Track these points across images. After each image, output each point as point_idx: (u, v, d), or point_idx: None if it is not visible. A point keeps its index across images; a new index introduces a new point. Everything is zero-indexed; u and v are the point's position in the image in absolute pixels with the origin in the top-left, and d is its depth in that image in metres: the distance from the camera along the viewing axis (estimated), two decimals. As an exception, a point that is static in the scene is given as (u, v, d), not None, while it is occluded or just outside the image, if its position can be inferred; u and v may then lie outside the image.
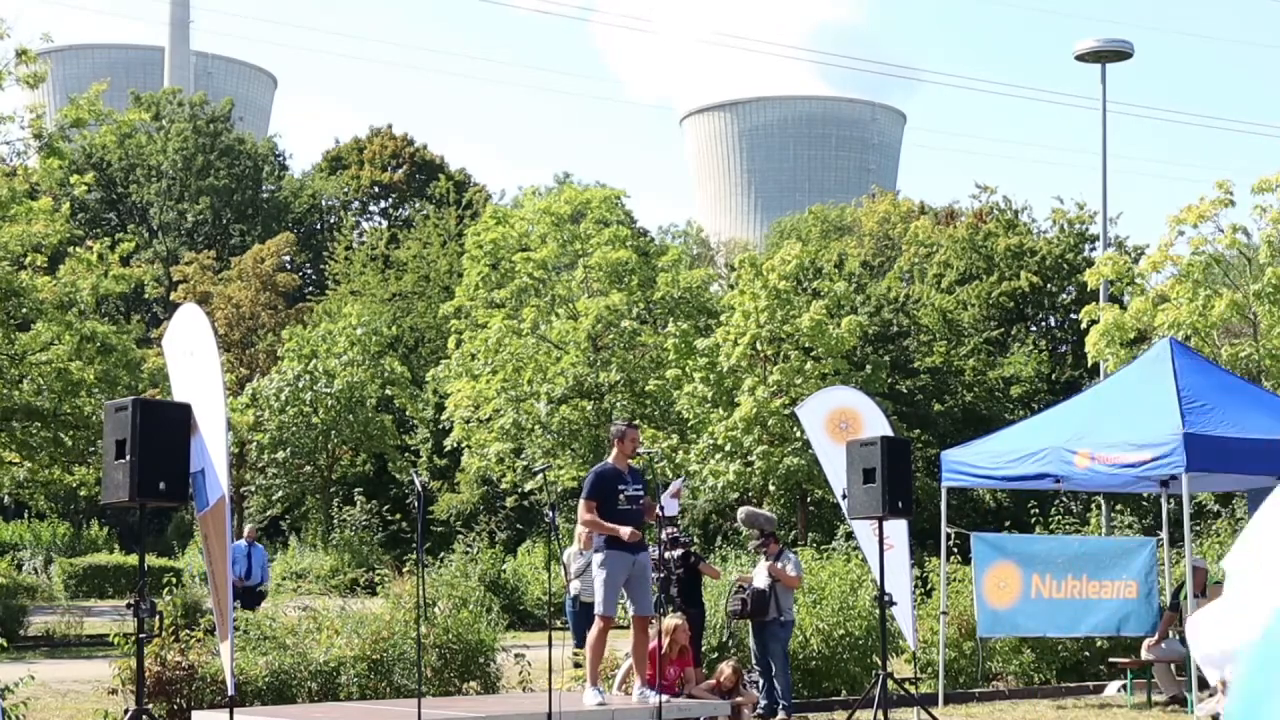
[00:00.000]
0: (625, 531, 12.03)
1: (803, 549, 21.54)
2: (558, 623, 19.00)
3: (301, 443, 45.42)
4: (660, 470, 34.05)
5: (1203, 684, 15.75)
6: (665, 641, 13.34)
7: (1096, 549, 18.60)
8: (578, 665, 14.87)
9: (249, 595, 22.41)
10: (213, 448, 10.50)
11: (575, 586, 16.47)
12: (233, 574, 23.62)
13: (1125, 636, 18.33)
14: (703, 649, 15.63)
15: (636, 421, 14.12)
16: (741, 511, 16.20)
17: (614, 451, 12.67)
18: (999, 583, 17.65)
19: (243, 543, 24.05)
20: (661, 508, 12.80)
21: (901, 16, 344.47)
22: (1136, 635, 18.00)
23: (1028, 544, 18.98)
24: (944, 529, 17.87)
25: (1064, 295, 45.32)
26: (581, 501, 12.51)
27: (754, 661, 15.50)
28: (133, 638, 11.09)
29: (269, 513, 48.43)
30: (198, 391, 10.77)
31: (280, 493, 47.19)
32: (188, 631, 13.63)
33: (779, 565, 15.10)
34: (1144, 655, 17.50)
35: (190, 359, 10.99)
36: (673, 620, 13.77)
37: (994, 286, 45.29)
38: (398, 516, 46.37)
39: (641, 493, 12.38)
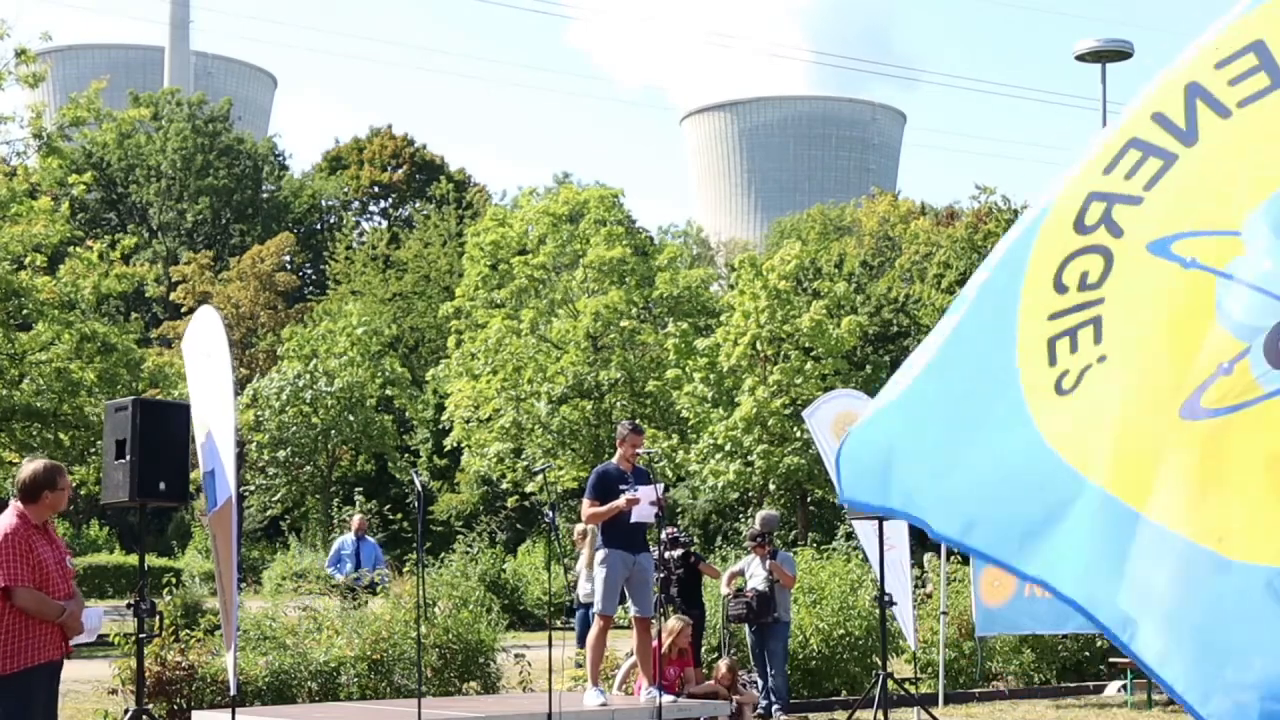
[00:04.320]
0: (622, 501, 12.06)
1: (803, 549, 21.55)
2: (558, 622, 19.02)
3: (301, 443, 45.42)
4: (660, 470, 34.06)
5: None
6: (667, 643, 13.34)
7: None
8: (579, 665, 14.88)
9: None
10: (223, 449, 10.51)
11: (583, 592, 16.56)
12: (341, 573, 20.12)
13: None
14: (702, 649, 15.63)
15: (641, 425, 14.01)
16: (766, 517, 16.14)
17: (617, 452, 12.68)
18: (994, 581, 17.68)
19: (350, 537, 21.15)
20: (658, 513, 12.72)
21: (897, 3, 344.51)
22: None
23: (1028, 544, 18.98)
24: (944, 529, 17.86)
25: (1064, 295, 45.31)
26: (584, 501, 12.53)
27: (753, 661, 15.50)
28: (133, 638, 11.09)
29: (269, 513, 48.45)
30: (213, 393, 10.79)
31: (280, 493, 47.19)
32: (188, 631, 13.62)
33: (779, 564, 15.11)
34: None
35: (207, 360, 11.01)
36: (677, 623, 13.76)
37: (994, 286, 45.27)
38: (398, 516, 46.37)
39: (655, 495, 12.39)
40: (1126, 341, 4.22)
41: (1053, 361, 4.28)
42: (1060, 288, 4.37)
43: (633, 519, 12.20)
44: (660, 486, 12.61)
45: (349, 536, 21.32)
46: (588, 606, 16.43)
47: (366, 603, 15.43)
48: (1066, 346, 4.29)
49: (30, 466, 8.26)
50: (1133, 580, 3.92)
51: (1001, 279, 4.49)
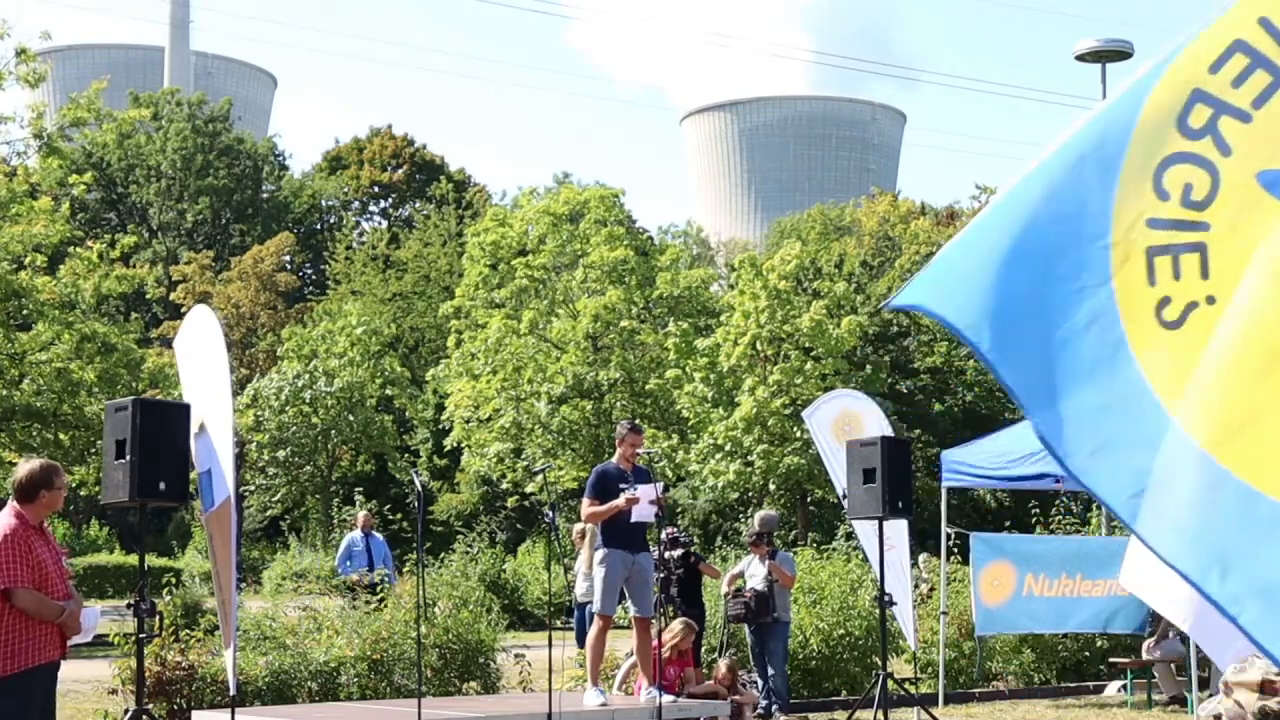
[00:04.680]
0: (621, 500, 12.09)
1: (803, 549, 21.54)
2: (558, 622, 19.01)
3: (301, 443, 45.41)
4: (660, 470, 34.06)
5: (1203, 684, 15.75)
6: (669, 644, 13.36)
7: (1095, 548, 18.60)
8: (580, 665, 14.88)
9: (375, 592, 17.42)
10: (220, 449, 10.50)
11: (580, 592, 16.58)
12: (349, 570, 20.39)
13: (1124, 636, 18.35)
14: (702, 649, 15.63)
15: (639, 424, 14.00)
16: (765, 517, 16.12)
17: (617, 452, 12.69)
18: (993, 581, 17.67)
19: (358, 534, 21.16)
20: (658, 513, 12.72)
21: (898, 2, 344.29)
22: (1124, 632, 18.03)
23: (1026, 544, 19.00)
24: (944, 529, 17.88)
25: (1064, 295, 45.27)
26: (584, 500, 12.54)
27: (752, 661, 15.50)
28: (133, 638, 11.09)
29: (269, 513, 48.45)
30: (208, 393, 10.78)
31: (280, 493, 47.18)
32: (188, 631, 13.63)
33: (778, 565, 15.11)
34: (1145, 655, 17.51)
35: (202, 360, 11.00)
36: (680, 626, 13.75)
37: (994, 286, 45.25)
38: (398, 516, 46.37)
39: (655, 495, 12.41)
40: (1238, 291, 4.08)
41: (1152, 280, 4.17)
42: (1161, 193, 4.22)
43: (632, 518, 12.20)
44: (659, 486, 12.61)
45: (357, 534, 21.33)
46: (584, 606, 16.45)
47: (383, 603, 15.24)
48: (1168, 268, 4.16)
49: (27, 466, 8.19)
50: (1240, 553, 3.86)
51: (1095, 149, 4.29)
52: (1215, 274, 4.13)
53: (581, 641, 15.95)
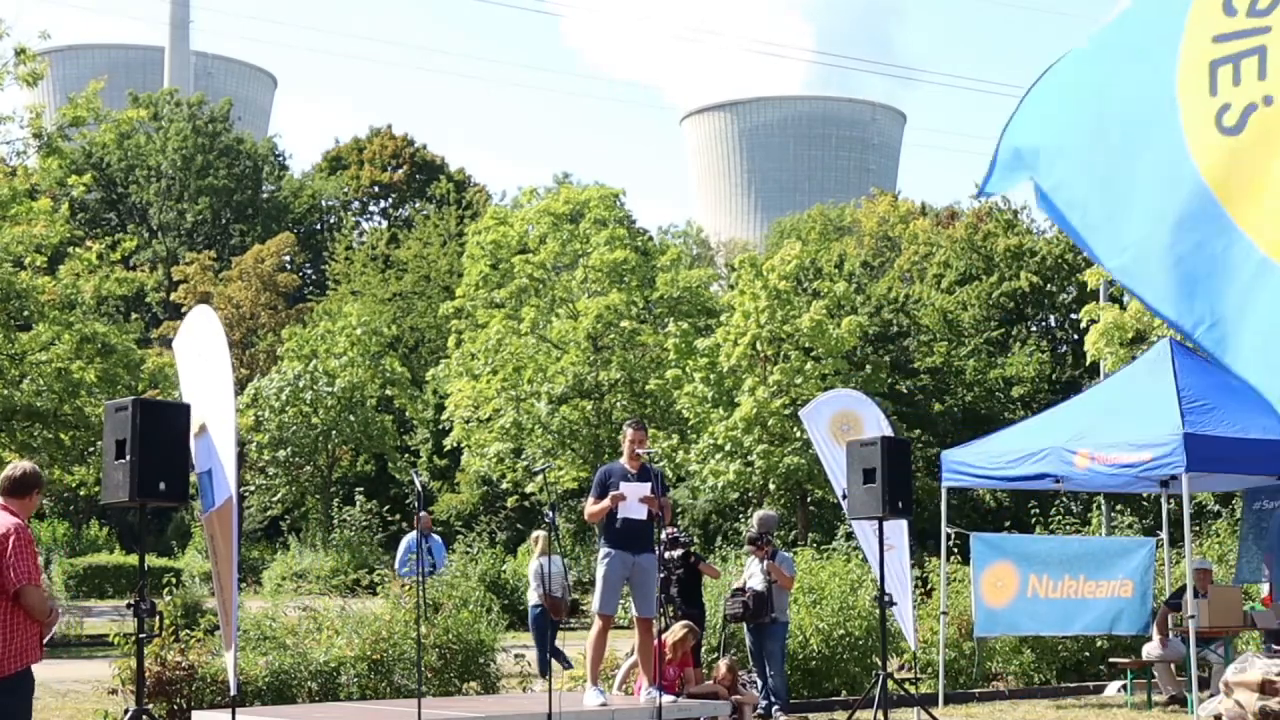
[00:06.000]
0: (606, 501, 12.19)
1: (803, 549, 21.53)
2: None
3: (301, 443, 45.41)
4: (660, 470, 34.03)
5: (1203, 684, 15.75)
6: (671, 644, 13.37)
7: (1096, 549, 18.61)
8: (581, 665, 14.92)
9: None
10: (221, 449, 10.50)
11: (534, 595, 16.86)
12: (410, 572, 20.93)
13: (1125, 636, 18.34)
14: (702, 649, 15.63)
15: (643, 422, 14.07)
16: (764, 518, 16.10)
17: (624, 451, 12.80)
18: (996, 582, 17.66)
19: (415, 535, 20.24)
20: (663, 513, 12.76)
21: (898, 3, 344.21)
22: (1128, 634, 18.02)
23: (1027, 544, 18.99)
24: (944, 529, 17.87)
25: (1064, 295, 45.28)
26: (588, 498, 12.65)
27: (752, 662, 15.50)
28: (133, 638, 11.09)
29: (269, 513, 48.46)
30: (208, 393, 10.78)
31: (280, 493, 47.18)
32: (188, 631, 13.64)
33: (777, 565, 15.11)
34: (1146, 654, 17.49)
35: (200, 360, 11.00)
36: (682, 630, 13.76)
37: (994, 286, 45.26)
38: (398, 516, 46.36)
39: (645, 492, 12.44)
40: None
41: (1214, 90, 4.12)
42: (1229, 9, 4.19)
43: (619, 515, 12.26)
44: (660, 486, 12.60)
45: (415, 535, 21.21)
46: (535, 608, 16.85)
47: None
48: (1229, 76, 4.11)
49: (20, 465, 8.28)
50: None
51: None
52: (1272, 72, 4.06)
53: (539, 645, 16.36)
